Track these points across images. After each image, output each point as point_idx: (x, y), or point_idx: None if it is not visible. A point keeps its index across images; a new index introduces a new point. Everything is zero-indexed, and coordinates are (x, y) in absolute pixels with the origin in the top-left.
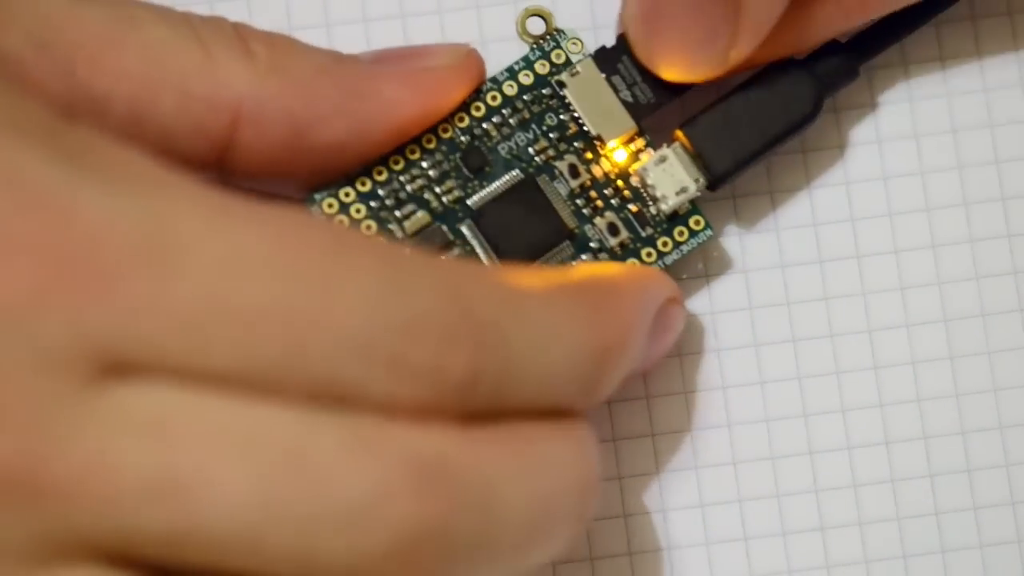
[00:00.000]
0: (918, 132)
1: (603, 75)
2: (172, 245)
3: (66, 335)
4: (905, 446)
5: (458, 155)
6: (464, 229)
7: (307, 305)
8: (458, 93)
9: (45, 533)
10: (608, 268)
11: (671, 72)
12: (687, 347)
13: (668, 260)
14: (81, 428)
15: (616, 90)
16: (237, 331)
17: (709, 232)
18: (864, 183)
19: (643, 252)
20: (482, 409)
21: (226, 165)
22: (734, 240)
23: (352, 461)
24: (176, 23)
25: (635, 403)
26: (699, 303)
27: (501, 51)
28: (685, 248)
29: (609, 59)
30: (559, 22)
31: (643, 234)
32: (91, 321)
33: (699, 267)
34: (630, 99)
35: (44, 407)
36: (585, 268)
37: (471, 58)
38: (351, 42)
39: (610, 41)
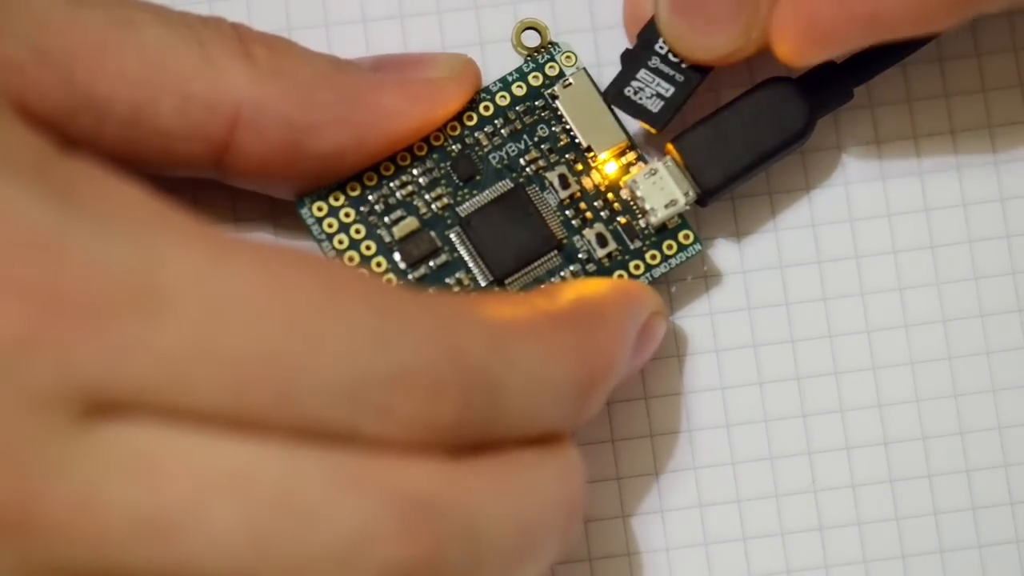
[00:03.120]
0: (917, 134)
1: (596, 88)
2: (162, 288)
3: (55, 376)
4: (904, 446)
5: (449, 163)
6: (452, 236)
7: (296, 351)
8: (456, 104)
9: (34, 569)
10: (594, 286)
11: (699, 51)
12: (686, 348)
13: (656, 273)
14: (70, 466)
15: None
16: (225, 375)
17: (698, 247)
18: (863, 184)
19: (631, 264)
20: (469, 444)
21: (223, 167)
22: (732, 241)
23: (340, 499)
24: (175, 25)
25: (634, 404)
26: (698, 305)
27: (499, 53)
28: (673, 261)
29: (635, 58)
30: (559, 25)
31: (631, 246)
32: (80, 362)
33: (702, 268)
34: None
35: (33, 446)
36: (571, 289)
37: (469, 68)
38: (350, 42)
39: (609, 42)
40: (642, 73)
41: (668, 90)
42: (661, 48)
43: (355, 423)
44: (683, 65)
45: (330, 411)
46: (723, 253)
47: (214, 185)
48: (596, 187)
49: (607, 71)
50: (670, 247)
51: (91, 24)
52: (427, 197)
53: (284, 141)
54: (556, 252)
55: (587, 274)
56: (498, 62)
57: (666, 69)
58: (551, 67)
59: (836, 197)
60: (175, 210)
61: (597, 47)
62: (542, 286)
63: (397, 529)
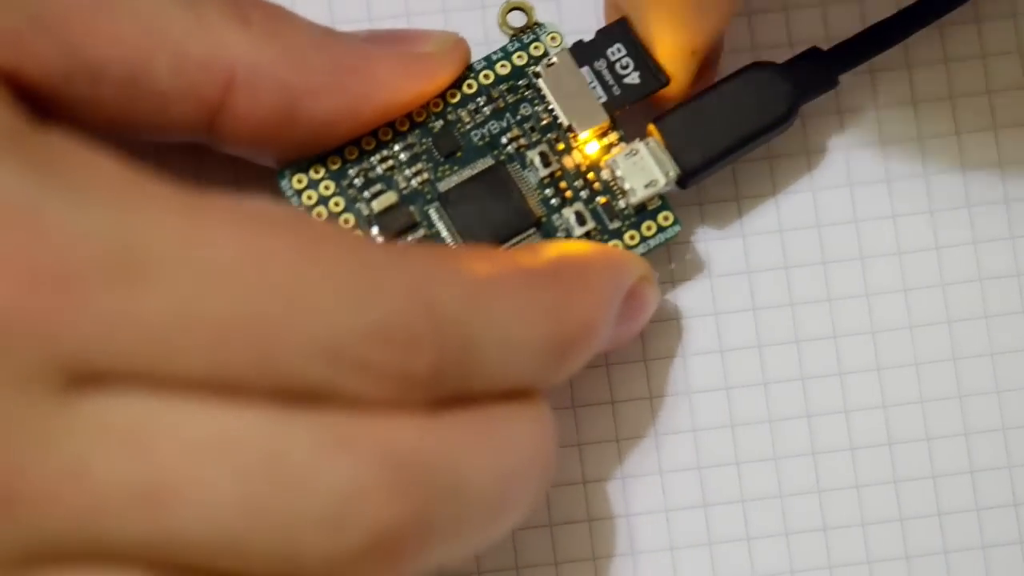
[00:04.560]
0: (922, 135)
1: (579, 67)
2: (140, 256)
3: (38, 350)
4: (908, 447)
5: (430, 139)
6: (431, 212)
7: (275, 312)
8: (447, 79)
9: (25, 542)
10: (577, 248)
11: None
12: (690, 347)
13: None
14: (57, 439)
15: (590, 84)
16: (207, 340)
17: (677, 227)
18: (865, 185)
19: (609, 244)
20: (446, 397)
21: (215, 130)
22: (737, 241)
23: (327, 460)
24: None
25: (638, 403)
26: (702, 303)
27: None
28: (652, 242)
29: (586, 52)
30: (566, 25)
31: (610, 226)
32: (62, 335)
33: (704, 269)
34: (604, 95)
35: (19, 420)
36: (555, 247)
37: (460, 46)
38: (353, 9)
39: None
40: (584, 70)
41: (601, 97)
42: (613, 54)
43: (334, 380)
44: (625, 80)
45: (310, 369)
46: (728, 252)
47: (213, 157)
48: (577, 166)
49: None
50: (649, 228)
51: None
52: (407, 172)
53: (278, 105)
54: (535, 230)
55: None
56: None
57: (607, 77)
58: (536, 47)
59: (841, 198)
60: (150, 179)
61: (600, 21)
62: (525, 244)
63: (385, 487)
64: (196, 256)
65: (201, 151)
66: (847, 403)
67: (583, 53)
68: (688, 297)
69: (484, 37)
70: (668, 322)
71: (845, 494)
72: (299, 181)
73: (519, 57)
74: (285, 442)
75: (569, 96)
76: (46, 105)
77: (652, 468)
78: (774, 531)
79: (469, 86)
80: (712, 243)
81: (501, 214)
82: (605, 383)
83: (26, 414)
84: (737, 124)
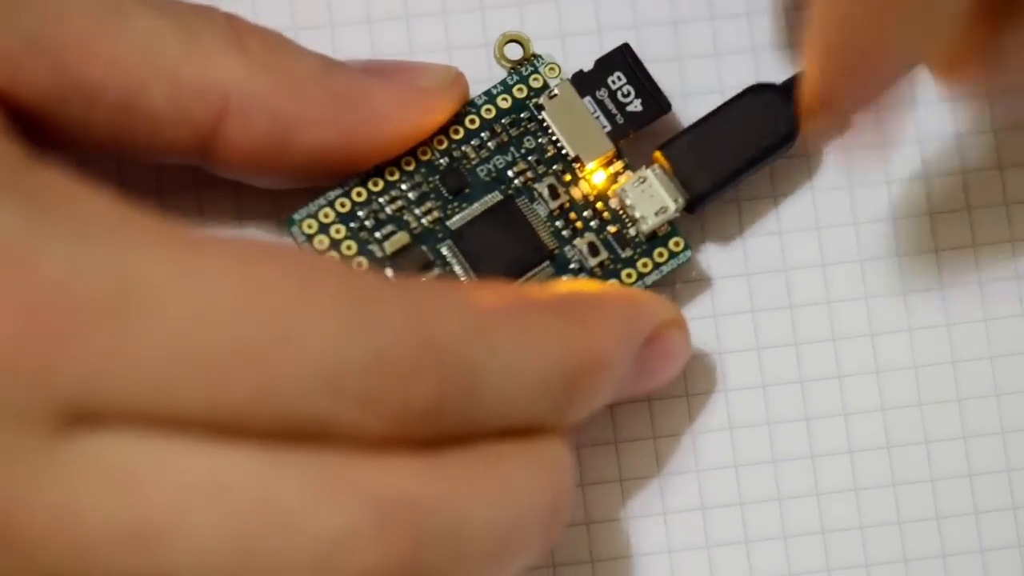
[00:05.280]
0: (922, 137)
1: (581, 98)
2: (135, 293)
3: (33, 389)
4: (907, 450)
5: (437, 177)
6: (444, 250)
7: (272, 345)
8: (443, 114)
9: None
10: (595, 286)
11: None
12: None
13: (648, 281)
14: (50, 478)
15: (593, 114)
16: (203, 375)
17: (688, 253)
18: (866, 188)
19: (623, 273)
20: (449, 433)
21: (208, 154)
22: (736, 245)
23: (318, 504)
24: (165, 13)
25: (636, 406)
26: (702, 307)
27: (501, 17)
28: (665, 269)
29: (587, 82)
30: (564, 27)
31: (623, 255)
32: (58, 374)
33: (704, 270)
34: (607, 124)
35: (12, 458)
36: (570, 284)
37: (459, 81)
38: (354, 43)
39: (615, 42)
40: (586, 100)
41: (605, 126)
42: (614, 82)
43: (334, 413)
44: (628, 108)
45: (309, 402)
46: (726, 255)
47: (217, 184)
48: (585, 197)
49: (609, 37)
50: (661, 254)
51: (82, 11)
52: (417, 211)
53: (270, 133)
54: (548, 263)
55: None
56: (498, 27)
57: (610, 105)
58: (535, 79)
59: (840, 201)
60: (146, 215)
61: (602, 48)
62: (538, 280)
63: (376, 532)
64: (193, 290)
65: (201, 173)
66: (846, 406)
67: (584, 83)
68: (687, 300)
69: (484, 39)
70: None
71: (843, 497)
72: (309, 226)
73: (519, 90)
74: (276, 485)
75: (573, 127)
76: (39, 125)
77: (651, 471)
78: (772, 534)
79: (472, 121)
80: (711, 245)
81: (513, 249)
82: None
83: (19, 453)
84: (741, 147)
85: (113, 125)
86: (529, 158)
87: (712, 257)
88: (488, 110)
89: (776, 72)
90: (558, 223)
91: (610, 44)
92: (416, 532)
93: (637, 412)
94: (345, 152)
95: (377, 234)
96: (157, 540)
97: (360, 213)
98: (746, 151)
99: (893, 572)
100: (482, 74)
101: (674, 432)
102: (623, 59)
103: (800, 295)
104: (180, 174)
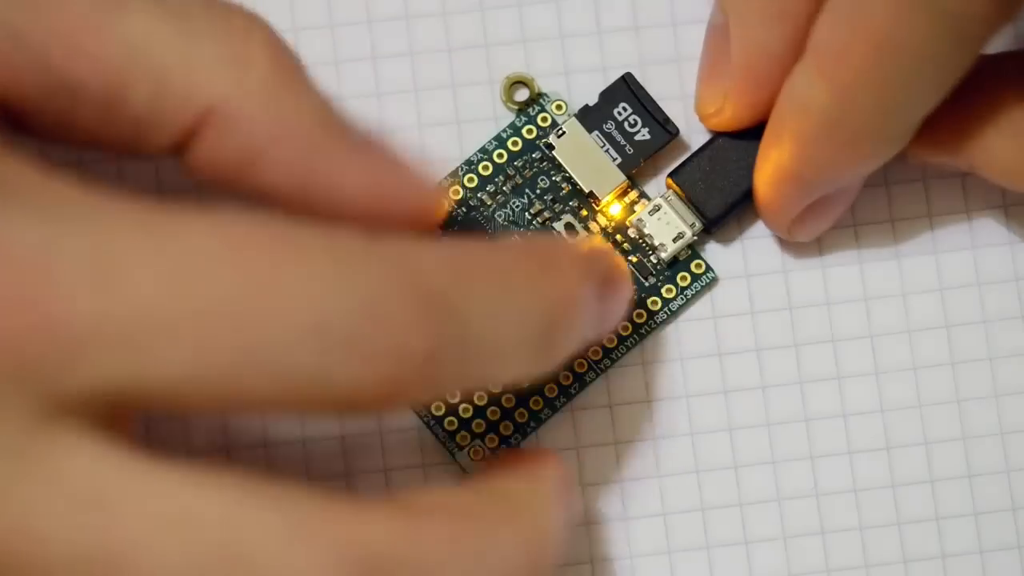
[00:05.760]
0: None
1: (589, 132)
2: (112, 265)
3: (7, 380)
4: (906, 451)
5: (456, 227)
6: None
7: (257, 303)
8: (402, 224)
9: None
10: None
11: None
12: (689, 352)
13: (674, 306)
14: (15, 489)
15: (603, 147)
16: (187, 338)
17: (712, 275)
18: (866, 189)
19: (648, 301)
20: (446, 376)
21: (180, 159)
22: (736, 246)
23: (287, 551)
24: (170, 12)
25: (637, 407)
26: (702, 308)
27: (505, 54)
28: (689, 292)
29: (593, 116)
30: (564, 28)
31: (646, 283)
32: (34, 357)
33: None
34: (618, 156)
35: None
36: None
37: (435, 203)
38: (354, 44)
39: (616, 45)
40: (594, 135)
41: (616, 158)
42: (620, 113)
43: (327, 368)
44: (636, 137)
45: (299, 359)
46: (726, 259)
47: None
48: (603, 230)
49: (613, 72)
50: (684, 278)
51: (78, 5)
52: None
53: (237, 158)
54: None
55: None
56: (504, 62)
57: (618, 137)
58: (543, 118)
59: None
60: (115, 196)
61: (603, 50)
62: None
63: None
64: (168, 255)
65: None
66: (845, 407)
67: (591, 117)
68: (685, 304)
69: (484, 40)
70: (666, 325)
71: (843, 498)
72: None
73: (528, 131)
74: (244, 525)
75: (584, 162)
76: (22, 118)
77: (650, 472)
78: (772, 535)
79: (484, 167)
80: (711, 246)
81: None
82: (603, 387)
83: None
84: (750, 166)
85: (96, 121)
86: (545, 197)
87: (712, 258)
88: (500, 155)
89: None
90: None
91: (609, 47)
92: None
93: (637, 413)
94: (298, 203)
95: None
96: (118, 569)
97: None
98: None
99: (893, 573)
100: (482, 74)
101: (674, 433)
102: (627, 89)
103: (800, 296)
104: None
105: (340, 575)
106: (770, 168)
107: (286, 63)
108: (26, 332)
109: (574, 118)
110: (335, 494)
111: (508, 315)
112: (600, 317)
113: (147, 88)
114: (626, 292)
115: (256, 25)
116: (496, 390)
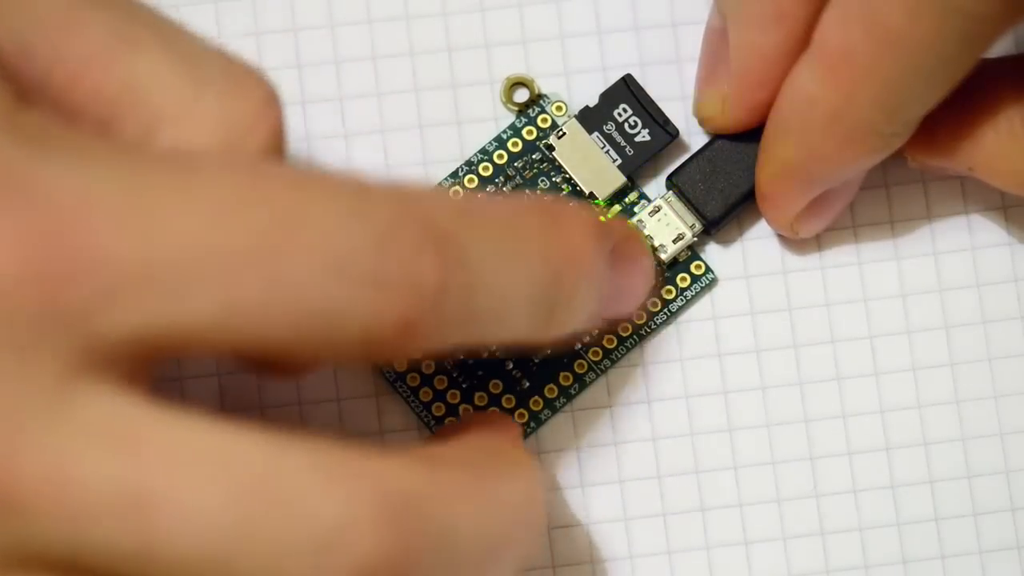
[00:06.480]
0: None
1: (589, 134)
2: (147, 207)
3: (50, 321)
4: (905, 452)
5: None
6: None
7: (279, 241)
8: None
9: (6, 545)
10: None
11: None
12: (689, 352)
13: (673, 307)
14: (50, 433)
15: (603, 148)
16: (216, 278)
17: (712, 276)
18: (866, 190)
19: (648, 302)
20: (454, 321)
21: None
22: (736, 247)
23: (322, 489)
24: (180, 55)
25: (637, 407)
26: (702, 309)
27: (505, 55)
28: (689, 293)
29: (593, 118)
30: (565, 29)
31: None
32: (69, 302)
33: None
34: (618, 158)
35: (16, 406)
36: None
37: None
38: (354, 44)
39: (616, 44)
40: (594, 136)
41: (616, 159)
42: (620, 115)
43: (348, 301)
44: (636, 139)
45: (322, 292)
46: (726, 258)
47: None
48: None
49: (613, 73)
50: (684, 279)
51: (88, 35)
52: None
53: None
54: None
55: None
56: (504, 63)
57: (618, 138)
58: (543, 119)
59: None
60: (139, 146)
61: (603, 51)
62: None
63: (375, 524)
64: (201, 197)
65: None
66: (844, 408)
67: (591, 119)
68: (684, 304)
69: (484, 41)
70: (666, 327)
71: (843, 499)
72: None
73: (528, 132)
74: (279, 466)
75: (584, 163)
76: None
77: (650, 472)
78: (772, 535)
79: (485, 168)
80: (711, 247)
81: None
82: (603, 388)
83: (24, 400)
84: (750, 167)
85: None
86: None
87: (712, 259)
88: (500, 156)
89: None
90: None
91: (610, 47)
92: (414, 528)
93: (637, 413)
94: None
95: None
96: (154, 509)
97: None
98: (755, 171)
99: (892, 573)
100: (482, 75)
101: (673, 433)
102: (627, 90)
103: (800, 298)
104: None
105: (376, 511)
106: (772, 164)
107: (280, 140)
108: (67, 276)
109: (574, 119)
110: (359, 443)
111: (514, 264)
112: (615, 291)
113: (140, 127)
114: (644, 267)
115: (265, 93)
116: (497, 350)
